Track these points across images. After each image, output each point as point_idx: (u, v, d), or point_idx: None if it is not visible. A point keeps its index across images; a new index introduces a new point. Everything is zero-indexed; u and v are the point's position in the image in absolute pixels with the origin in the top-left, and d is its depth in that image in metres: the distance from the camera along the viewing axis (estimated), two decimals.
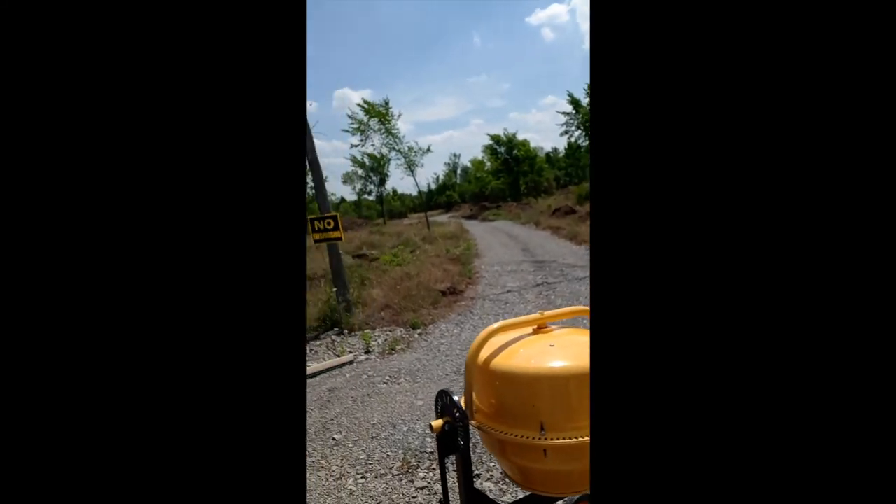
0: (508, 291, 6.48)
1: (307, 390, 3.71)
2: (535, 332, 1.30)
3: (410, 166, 22.21)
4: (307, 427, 2.99)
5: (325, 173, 6.98)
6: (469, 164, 45.31)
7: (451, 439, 1.17)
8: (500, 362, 1.18)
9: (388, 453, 2.60)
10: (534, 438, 1.08)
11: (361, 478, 2.41)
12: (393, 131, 20.47)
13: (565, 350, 1.19)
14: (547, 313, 1.34)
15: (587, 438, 1.05)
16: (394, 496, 2.23)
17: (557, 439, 1.08)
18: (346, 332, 5.49)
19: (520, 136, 30.91)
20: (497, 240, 12.81)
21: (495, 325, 1.26)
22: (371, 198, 40.14)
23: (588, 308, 1.29)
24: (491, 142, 30.92)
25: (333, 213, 5.90)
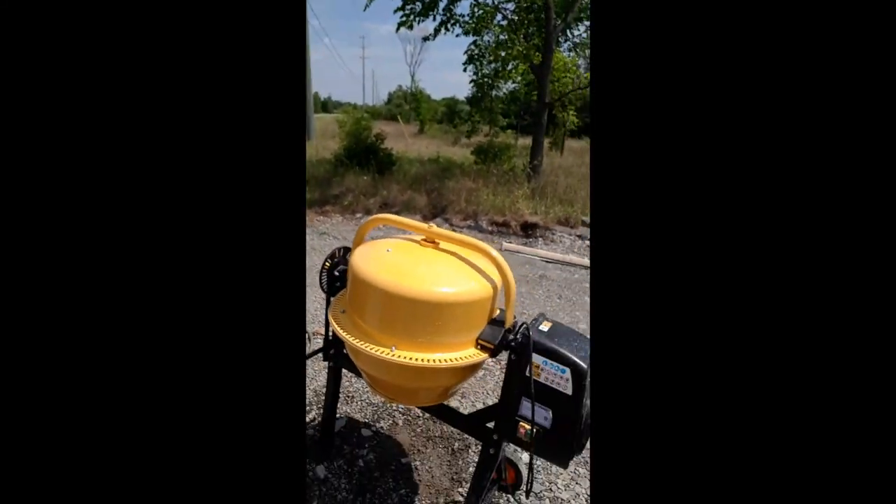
0: None
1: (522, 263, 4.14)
2: (423, 243, 1.32)
3: None
4: None
5: None
6: None
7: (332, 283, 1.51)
8: (370, 266, 1.20)
9: None
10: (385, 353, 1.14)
11: None
12: None
13: (439, 273, 1.21)
14: (439, 230, 1.30)
15: (433, 362, 1.15)
16: None
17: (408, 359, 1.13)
18: None
19: None
20: None
21: (384, 216, 1.38)
22: None
23: (486, 248, 1.19)
24: None
25: None
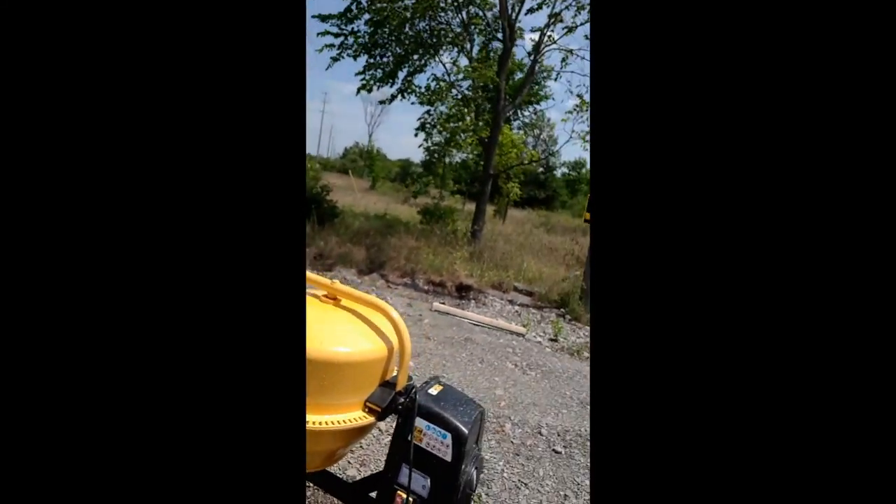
0: None
1: (445, 326, 4.20)
2: (324, 298, 1.33)
3: None
4: None
5: None
6: None
7: None
8: None
9: None
10: None
11: None
12: None
13: (332, 332, 1.19)
14: (341, 287, 1.32)
15: (314, 424, 1.11)
16: None
17: None
18: (567, 318, 5.42)
19: None
20: None
21: None
22: None
23: (386, 308, 1.21)
24: None
25: None
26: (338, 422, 1.14)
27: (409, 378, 1.30)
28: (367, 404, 1.19)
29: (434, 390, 1.26)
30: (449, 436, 1.13)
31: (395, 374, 1.29)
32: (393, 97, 8.71)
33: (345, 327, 1.23)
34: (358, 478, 1.93)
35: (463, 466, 1.13)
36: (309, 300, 1.33)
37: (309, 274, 1.40)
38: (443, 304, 4.93)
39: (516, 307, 5.46)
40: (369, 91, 8.55)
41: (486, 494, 1.97)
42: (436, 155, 9.51)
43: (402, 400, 1.21)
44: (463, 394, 1.30)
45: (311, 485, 1.80)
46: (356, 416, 1.17)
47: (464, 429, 1.14)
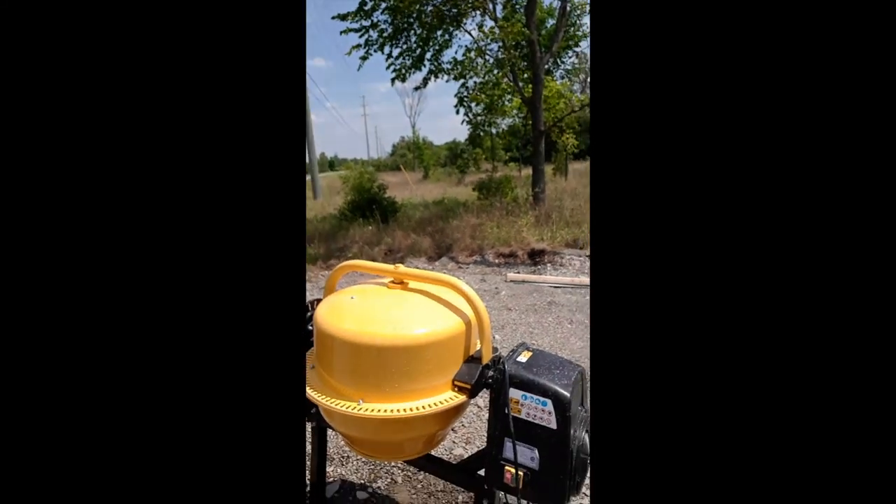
0: None
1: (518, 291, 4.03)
2: (391, 285, 1.28)
3: None
4: None
5: None
6: None
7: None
8: (332, 316, 1.15)
9: None
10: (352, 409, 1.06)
11: None
12: None
13: (405, 315, 1.15)
14: (406, 269, 1.26)
15: (405, 412, 1.06)
16: None
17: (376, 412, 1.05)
18: None
19: None
20: None
21: (351, 262, 1.35)
22: None
23: (453, 282, 1.15)
24: None
25: None
26: (429, 405, 1.08)
27: (495, 350, 1.21)
28: (455, 383, 1.13)
29: (523, 357, 1.16)
30: (549, 402, 1.03)
31: (478, 348, 1.21)
32: (425, 80, 8.55)
33: (416, 308, 1.17)
34: (465, 456, 1.90)
35: (572, 431, 1.03)
36: (376, 289, 1.28)
37: (371, 263, 1.36)
38: (517, 273, 4.78)
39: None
40: (403, 80, 8.46)
41: None
42: (480, 127, 9.21)
43: (490, 373, 1.13)
44: (556, 356, 1.19)
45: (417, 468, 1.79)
46: (447, 398, 1.11)
47: (564, 392, 1.03)
